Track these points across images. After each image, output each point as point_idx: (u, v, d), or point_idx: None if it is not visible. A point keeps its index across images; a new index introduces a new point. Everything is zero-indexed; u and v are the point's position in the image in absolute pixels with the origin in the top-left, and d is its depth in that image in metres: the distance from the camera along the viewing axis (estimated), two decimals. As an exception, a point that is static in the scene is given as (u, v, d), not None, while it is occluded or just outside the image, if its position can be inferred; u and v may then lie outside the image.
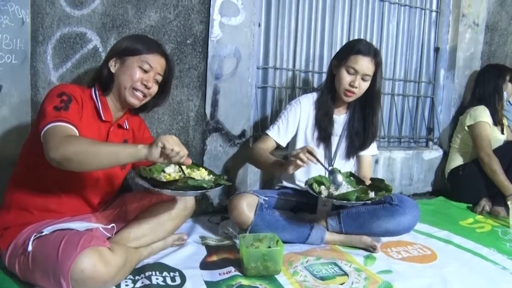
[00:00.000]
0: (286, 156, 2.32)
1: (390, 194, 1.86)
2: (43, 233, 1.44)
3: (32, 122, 2.10)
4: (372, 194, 1.83)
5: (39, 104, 2.07)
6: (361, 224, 2.02)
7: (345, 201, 1.78)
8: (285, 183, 2.24)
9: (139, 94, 1.67)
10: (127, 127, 1.80)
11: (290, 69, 2.82)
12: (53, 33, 2.12)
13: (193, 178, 1.57)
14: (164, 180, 1.58)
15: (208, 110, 2.44)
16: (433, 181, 3.30)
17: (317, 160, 1.78)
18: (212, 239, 2.07)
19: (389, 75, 3.16)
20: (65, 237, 1.40)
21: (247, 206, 1.96)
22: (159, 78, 1.73)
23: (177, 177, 1.60)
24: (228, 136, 2.51)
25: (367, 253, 1.99)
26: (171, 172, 1.64)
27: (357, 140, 2.18)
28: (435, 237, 2.25)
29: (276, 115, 2.74)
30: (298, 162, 1.75)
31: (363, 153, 2.24)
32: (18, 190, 1.59)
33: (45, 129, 1.39)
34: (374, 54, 2.03)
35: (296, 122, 2.16)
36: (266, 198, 2.04)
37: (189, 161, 1.49)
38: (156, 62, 1.69)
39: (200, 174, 1.67)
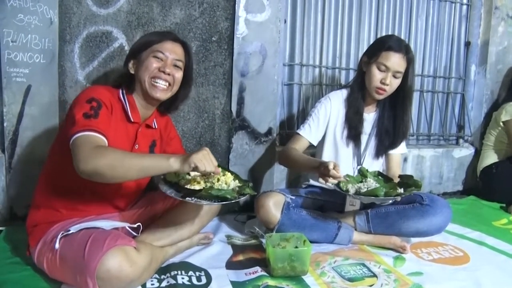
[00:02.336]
0: (314, 154, 2.28)
1: (419, 190, 1.80)
2: (70, 232, 1.45)
3: (60, 121, 2.12)
4: (401, 190, 1.78)
5: (67, 103, 2.14)
6: (390, 224, 1.97)
7: (373, 197, 1.74)
8: (312, 182, 2.20)
9: (160, 83, 1.65)
10: (156, 127, 1.79)
11: (316, 65, 2.78)
12: (80, 32, 2.14)
13: (216, 188, 1.54)
14: (189, 185, 1.56)
15: (234, 108, 2.42)
16: (464, 180, 3.21)
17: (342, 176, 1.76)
18: (238, 238, 2.05)
19: (418, 71, 3.08)
20: (92, 236, 1.40)
21: (274, 205, 1.94)
22: (180, 64, 1.70)
23: (202, 182, 1.58)
24: (254, 134, 2.48)
25: (396, 254, 1.94)
26: (196, 176, 1.61)
27: (387, 139, 2.13)
28: (467, 238, 2.18)
29: (302, 112, 2.72)
30: (331, 181, 1.74)
31: (392, 152, 2.19)
32: (46, 189, 1.60)
33: (74, 137, 1.39)
34: (406, 50, 1.98)
35: (326, 120, 2.12)
36: (293, 197, 2.01)
37: (219, 171, 1.49)
38: (170, 48, 1.67)
39: (226, 180, 1.62)
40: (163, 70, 1.64)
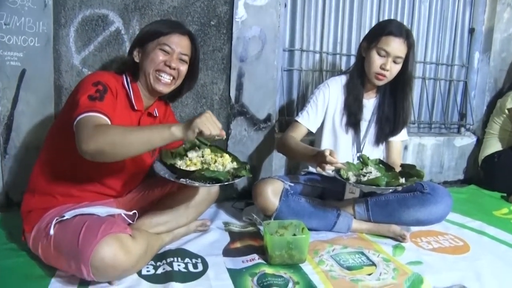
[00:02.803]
0: (313, 141, 2.25)
1: (422, 180, 1.77)
2: (65, 217, 1.42)
3: (56, 106, 2.09)
4: (402, 180, 1.75)
5: (62, 88, 2.11)
6: (390, 212, 1.94)
7: (374, 187, 1.71)
8: (311, 169, 2.17)
9: (165, 77, 1.62)
10: (157, 115, 1.76)
11: (317, 51, 2.73)
12: (75, 15, 2.10)
13: (210, 170, 1.51)
14: (184, 167, 1.54)
15: (232, 94, 2.39)
16: (465, 169, 3.18)
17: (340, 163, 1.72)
18: (236, 226, 2.03)
19: (420, 58, 3.04)
20: (86, 223, 1.37)
21: (272, 192, 1.91)
22: (185, 57, 1.67)
23: (198, 164, 1.55)
24: (253, 120, 2.45)
25: (396, 242, 1.91)
26: (193, 157, 1.60)
27: (387, 126, 2.10)
28: (468, 228, 2.16)
29: (302, 99, 2.68)
30: (327, 168, 1.71)
31: (392, 139, 2.15)
32: (42, 174, 1.57)
33: (78, 119, 1.35)
34: (407, 35, 1.93)
35: (325, 107, 2.08)
36: (292, 184, 1.98)
37: (223, 133, 1.43)
38: (177, 42, 1.63)
39: (223, 161, 1.60)
40: (169, 65, 1.61)
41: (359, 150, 2.10)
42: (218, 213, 2.17)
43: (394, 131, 2.10)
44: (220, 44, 2.32)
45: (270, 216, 1.92)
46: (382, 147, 2.16)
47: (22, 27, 2.01)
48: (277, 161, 2.53)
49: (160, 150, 1.64)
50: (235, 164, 1.62)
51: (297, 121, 2.08)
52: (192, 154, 1.61)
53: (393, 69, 1.95)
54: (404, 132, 2.17)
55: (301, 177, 2.11)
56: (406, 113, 2.07)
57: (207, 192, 1.82)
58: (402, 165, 1.91)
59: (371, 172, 1.82)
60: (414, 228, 2.04)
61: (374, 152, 2.12)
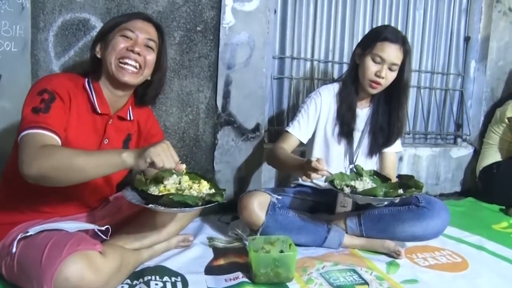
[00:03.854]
0: (304, 152, 2.15)
1: (420, 191, 1.67)
2: (29, 234, 1.30)
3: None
4: (401, 191, 1.65)
5: None
6: (383, 227, 1.84)
7: (371, 197, 1.60)
8: (301, 181, 2.06)
9: (129, 65, 1.47)
10: (131, 118, 1.63)
11: (308, 59, 2.65)
12: (55, 19, 2.01)
13: (178, 194, 1.39)
14: (157, 193, 1.44)
15: (219, 102, 2.29)
16: (462, 181, 3.08)
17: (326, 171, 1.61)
18: (221, 241, 1.92)
19: (415, 66, 2.96)
20: (52, 240, 1.26)
21: (258, 206, 1.80)
22: (152, 44, 1.52)
23: (172, 190, 1.45)
24: (241, 130, 2.35)
25: (390, 259, 1.80)
26: (169, 183, 1.48)
27: (381, 136, 2.00)
28: (466, 243, 2.05)
29: (293, 108, 2.60)
30: (313, 177, 1.60)
31: (386, 150, 2.05)
32: (8, 188, 1.46)
33: (20, 136, 1.26)
34: (403, 41, 1.85)
35: (317, 116, 1.99)
36: (280, 197, 1.87)
37: (181, 168, 1.34)
38: (140, 27, 1.50)
39: (200, 188, 1.48)
40: (132, 49, 1.46)
41: (351, 161, 2.00)
42: (202, 227, 2.06)
43: (388, 142, 2.01)
44: (206, 50, 2.23)
45: (256, 231, 1.81)
46: (375, 158, 2.06)
47: None
48: (266, 172, 2.43)
49: (134, 177, 1.53)
50: (212, 191, 1.51)
51: (287, 131, 1.98)
52: (168, 181, 1.50)
53: (389, 77, 1.86)
54: (398, 143, 2.07)
55: (290, 190, 2.01)
56: (401, 123, 1.98)
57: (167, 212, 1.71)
58: (400, 176, 1.82)
59: (366, 184, 1.71)
60: (409, 244, 1.93)
61: (368, 164, 2.02)
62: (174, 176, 1.52)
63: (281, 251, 1.60)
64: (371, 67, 1.86)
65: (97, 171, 1.25)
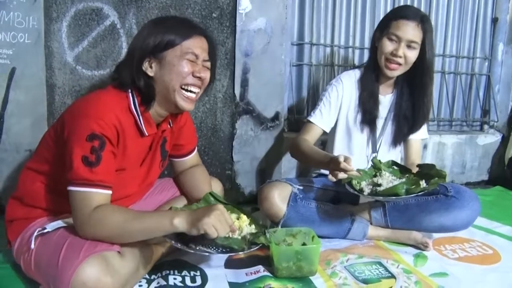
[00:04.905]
0: (326, 141, 2.08)
1: (444, 181, 1.57)
2: (46, 230, 1.27)
3: (48, 107, 2.00)
4: (423, 184, 1.56)
5: (55, 87, 2.01)
6: (410, 218, 1.76)
7: (393, 197, 1.53)
8: (323, 171, 2.00)
9: (192, 92, 1.39)
10: (171, 125, 1.54)
11: (328, 44, 2.56)
12: (68, 9, 1.99)
13: (221, 237, 1.28)
14: None
15: (237, 91, 2.23)
16: (490, 169, 2.97)
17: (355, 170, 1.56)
18: (241, 233, 1.86)
19: (439, 51, 2.84)
20: (69, 239, 1.23)
21: (279, 197, 1.74)
22: (208, 64, 1.43)
23: None
24: (260, 119, 2.29)
25: (417, 251, 1.73)
26: None
27: (405, 123, 1.91)
28: (497, 233, 1.96)
29: (313, 95, 2.53)
30: (340, 176, 1.53)
31: (411, 137, 1.96)
32: (30, 183, 1.42)
33: (72, 190, 1.24)
34: (421, 19, 1.75)
35: (339, 104, 1.91)
36: (301, 188, 1.80)
37: (235, 229, 1.31)
38: (201, 46, 1.39)
39: (240, 224, 1.39)
40: (198, 76, 1.37)
41: (374, 150, 1.92)
42: (222, 220, 2.00)
43: (413, 128, 1.92)
44: (223, 38, 2.17)
45: (277, 223, 1.75)
46: (400, 147, 1.97)
47: (10, 23, 1.90)
48: (286, 162, 2.36)
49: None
50: (253, 228, 1.41)
51: (309, 121, 1.90)
52: None
53: (408, 56, 1.76)
54: (424, 129, 1.98)
55: (312, 180, 1.93)
56: (426, 107, 1.88)
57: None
58: (420, 165, 1.71)
59: (386, 178, 1.63)
60: (436, 235, 1.85)
61: (391, 153, 1.95)
62: None
63: (304, 244, 1.54)
64: (387, 47, 1.77)
65: (149, 235, 1.26)
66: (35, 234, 1.28)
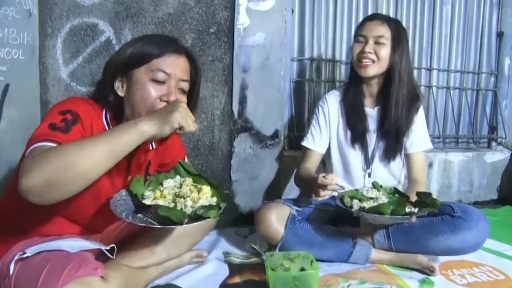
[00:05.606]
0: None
1: (436, 210, 1.50)
2: (25, 255, 1.19)
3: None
4: (412, 208, 1.50)
5: (49, 104, 1.97)
6: (415, 240, 1.67)
7: (377, 215, 1.47)
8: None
9: None
10: (153, 146, 1.46)
11: (329, 60, 2.51)
12: (63, 25, 1.97)
13: (165, 206, 1.20)
14: (151, 199, 1.25)
15: (235, 108, 2.18)
16: (499, 187, 2.86)
17: (337, 185, 1.52)
18: (237, 256, 1.78)
19: (443, 65, 2.78)
20: (49, 264, 1.14)
21: (276, 218, 1.66)
22: (185, 85, 1.30)
23: (168, 197, 1.27)
24: (259, 137, 2.23)
25: (423, 276, 1.63)
26: (168, 187, 1.31)
27: (394, 136, 1.83)
28: (508, 257, 1.86)
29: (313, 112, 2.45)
30: (322, 194, 1.51)
31: (411, 151, 1.88)
32: (10, 201, 1.34)
33: (28, 151, 1.10)
34: (385, 18, 1.79)
35: (328, 124, 1.90)
36: (300, 209, 1.73)
37: (197, 127, 1.19)
38: (174, 65, 1.26)
39: (199, 196, 1.27)
40: (166, 100, 1.24)
41: (368, 166, 1.86)
42: (218, 241, 1.92)
43: (399, 140, 1.83)
44: (220, 53, 2.12)
45: (274, 246, 1.67)
46: (398, 161, 1.88)
47: (5, 39, 1.88)
48: (286, 181, 2.29)
49: (133, 176, 1.33)
50: (213, 200, 1.29)
51: (304, 146, 1.90)
52: (168, 183, 1.32)
53: (379, 51, 1.74)
54: (423, 139, 1.89)
55: (311, 200, 1.86)
56: (402, 115, 1.79)
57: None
58: (418, 194, 1.63)
59: (377, 199, 1.58)
60: (443, 258, 1.76)
61: (388, 168, 1.88)
62: (177, 177, 1.36)
63: (302, 269, 1.46)
64: (356, 48, 1.78)
65: (112, 153, 1.06)
66: (15, 258, 1.19)
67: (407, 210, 1.48)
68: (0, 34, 1.87)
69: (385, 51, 1.74)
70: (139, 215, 1.20)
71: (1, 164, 1.92)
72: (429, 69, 2.76)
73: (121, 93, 1.28)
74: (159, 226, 1.17)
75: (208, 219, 1.19)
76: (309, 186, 1.65)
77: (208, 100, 2.12)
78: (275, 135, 2.24)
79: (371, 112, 1.86)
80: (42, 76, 1.95)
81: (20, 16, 1.88)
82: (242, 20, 2.11)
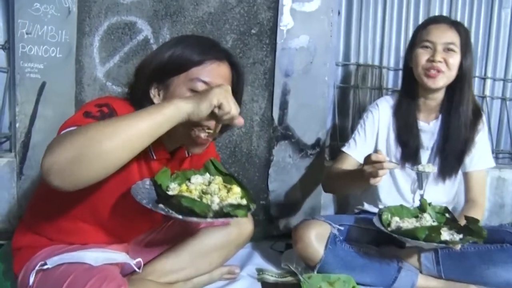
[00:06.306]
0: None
1: (480, 241, 1.35)
2: (46, 266, 1.13)
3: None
4: (451, 236, 1.36)
5: (83, 103, 1.91)
6: (468, 269, 1.51)
7: (411, 239, 1.35)
8: (366, 206, 1.79)
9: (204, 132, 1.14)
10: (189, 154, 1.36)
11: (376, 66, 2.37)
12: (101, 23, 1.94)
13: (189, 197, 1.10)
14: (176, 192, 1.16)
15: (275, 114, 2.07)
16: (560, 209, 2.65)
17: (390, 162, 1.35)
18: (272, 274, 1.67)
19: (499, 74, 2.59)
20: (70, 278, 1.07)
21: (316, 238, 1.54)
22: None
23: (194, 192, 1.17)
24: (300, 145, 2.12)
25: (476, 309, 1.48)
26: (196, 182, 1.21)
27: (454, 153, 1.68)
28: None
29: (358, 120, 2.31)
30: (381, 174, 1.33)
31: (471, 168, 1.72)
32: (36, 208, 1.30)
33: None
34: (453, 22, 1.62)
35: (375, 132, 1.74)
36: (342, 228, 1.60)
37: (242, 121, 1.08)
38: (214, 74, 1.16)
39: (228, 195, 1.16)
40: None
41: (421, 186, 1.70)
42: (251, 256, 1.82)
43: (460, 157, 1.68)
44: (261, 56, 2.03)
45: (313, 267, 1.55)
46: (453, 182, 1.73)
47: (44, 37, 1.88)
48: (326, 194, 2.16)
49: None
50: (243, 202, 1.18)
51: (343, 151, 1.74)
52: (196, 179, 1.22)
53: (449, 60, 1.58)
54: (485, 157, 1.73)
55: (353, 217, 1.72)
56: (464, 129, 1.64)
57: (237, 232, 1.48)
58: (466, 218, 1.48)
59: (421, 218, 1.47)
60: (500, 290, 1.59)
61: (441, 188, 1.72)
62: (207, 175, 1.26)
63: (342, 295, 1.34)
64: (422, 55, 1.60)
65: (146, 131, 0.95)
66: (36, 268, 1.14)
67: (447, 237, 1.35)
68: (40, 32, 1.87)
69: (455, 60, 1.59)
70: (160, 205, 1.10)
71: (33, 164, 1.91)
72: (483, 78, 2.57)
73: (157, 101, 1.17)
74: (180, 217, 1.06)
75: (234, 217, 1.08)
76: (350, 179, 1.54)
77: (247, 104, 2.03)
78: (317, 144, 2.12)
79: (426, 127, 1.70)
80: (78, 75, 1.93)
81: (60, 13, 1.87)
82: (286, 21, 2.01)
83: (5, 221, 1.96)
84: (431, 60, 1.57)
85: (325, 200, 2.19)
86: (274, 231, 2.12)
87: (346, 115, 2.39)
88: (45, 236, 1.26)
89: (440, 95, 1.67)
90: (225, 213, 1.07)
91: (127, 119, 0.95)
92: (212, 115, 1.03)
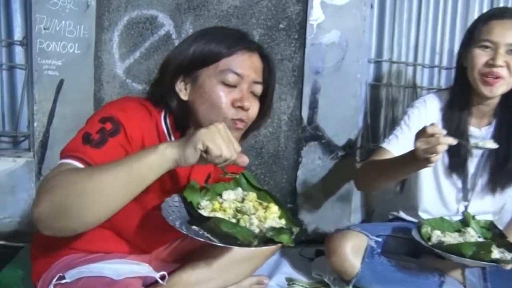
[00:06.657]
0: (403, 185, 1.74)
1: None
2: (65, 280, 1.05)
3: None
4: (502, 254, 1.24)
5: (103, 101, 1.87)
6: (519, 288, 1.38)
7: (453, 255, 1.23)
8: (402, 214, 1.66)
9: (238, 123, 1.10)
10: None
11: (410, 63, 2.24)
12: (121, 17, 1.87)
13: (229, 222, 1.01)
14: (209, 211, 1.07)
15: (304, 113, 1.98)
16: None
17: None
18: (302, 284, 1.58)
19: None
20: None
21: (352, 251, 1.42)
22: (258, 88, 1.15)
23: (229, 210, 1.08)
24: (330, 147, 2.02)
25: (527, 330, 1.36)
26: (229, 199, 1.12)
27: (506, 162, 1.52)
28: None
29: (391, 121, 2.21)
30: (439, 149, 1.15)
31: None
32: None
33: (55, 167, 0.97)
34: None
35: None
36: (379, 240, 1.48)
37: (245, 160, 0.97)
38: (246, 65, 1.10)
39: (266, 215, 1.08)
40: (241, 106, 1.08)
41: (466, 198, 1.56)
42: (280, 264, 1.72)
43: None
44: (290, 52, 1.93)
45: (348, 281, 1.44)
46: (504, 193, 1.58)
47: (61, 32, 1.82)
48: (357, 198, 2.07)
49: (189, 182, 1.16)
50: (282, 223, 1.09)
51: (382, 147, 1.56)
52: (228, 195, 1.13)
53: (511, 63, 1.37)
54: None
55: (388, 226, 1.59)
56: None
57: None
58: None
59: (464, 233, 1.36)
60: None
61: (489, 200, 1.57)
62: (239, 190, 1.17)
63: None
64: (480, 57, 1.38)
65: (128, 181, 0.89)
66: (53, 282, 1.06)
67: (497, 255, 1.22)
68: (57, 27, 1.81)
69: None
70: (193, 227, 1.01)
71: (52, 164, 1.84)
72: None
73: (184, 96, 1.12)
74: (222, 245, 0.97)
75: (280, 243, 0.98)
76: (396, 166, 1.37)
77: (275, 103, 1.92)
78: (348, 145, 2.02)
79: (477, 133, 1.53)
80: (96, 71, 1.87)
81: (78, 8, 1.81)
82: (316, 15, 1.90)
83: (24, 223, 1.91)
84: (490, 64, 1.37)
85: (356, 204, 2.09)
86: (303, 236, 2.02)
87: (378, 115, 2.26)
88: (64, 243, 1.17)
89: (495, 100, 1.49)
90: (269, 238, 0.98)
91: (115, 167, 0.90)
92: (204, 160, 0.92)
